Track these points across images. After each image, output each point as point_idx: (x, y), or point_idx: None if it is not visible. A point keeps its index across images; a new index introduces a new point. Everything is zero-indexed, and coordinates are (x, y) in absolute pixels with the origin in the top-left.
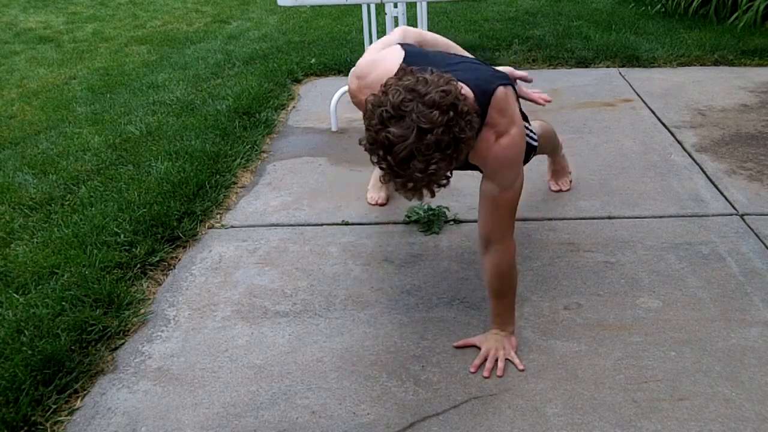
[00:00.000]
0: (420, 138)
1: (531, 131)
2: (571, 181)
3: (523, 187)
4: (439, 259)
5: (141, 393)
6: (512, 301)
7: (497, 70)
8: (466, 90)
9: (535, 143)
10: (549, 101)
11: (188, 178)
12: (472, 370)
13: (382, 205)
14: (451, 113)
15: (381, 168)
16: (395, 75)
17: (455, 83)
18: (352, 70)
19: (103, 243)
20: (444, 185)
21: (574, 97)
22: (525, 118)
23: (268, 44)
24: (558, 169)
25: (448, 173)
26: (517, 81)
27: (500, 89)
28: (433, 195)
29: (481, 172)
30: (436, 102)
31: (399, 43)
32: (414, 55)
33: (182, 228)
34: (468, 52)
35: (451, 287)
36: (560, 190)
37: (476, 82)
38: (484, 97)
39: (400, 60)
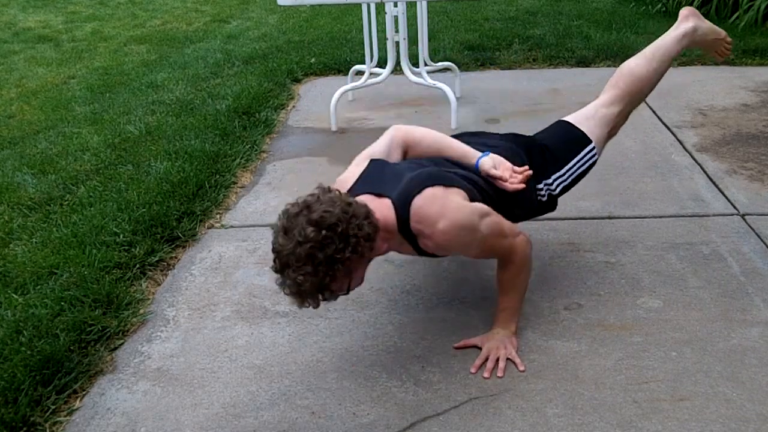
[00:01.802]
0: (294, 249)
1: (586, 153)
2: (727, 40)
3: (495, 219)
4: (439, 259)
5: (140, 393)
6: (521, 297)
7: (442, 171)
8: (384, 209)
9: (594, 157)
10: (519, 188)
11: (188, 178)
12: (473, 370)
13: None
14: (325, 232)
15: (272, 269)
16: (311, 192)
17: (351, 206)
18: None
19: (103, 243)
20: (328, 299)
21: (575, 96)
22: (571, 138)
23: (267, 44)
24: (708, 43)
25: (334, 288)
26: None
27: (417, 199)
28: (316, 306)
29: None
30: (314, 220)
31: (372, 159)
32: (368, 176)
33: (182, 228)
34: (469, 51)
35: (451, 287)
36: (724, 57)
37: (400, 196)
38: (405, 211)
39: (354, 179)
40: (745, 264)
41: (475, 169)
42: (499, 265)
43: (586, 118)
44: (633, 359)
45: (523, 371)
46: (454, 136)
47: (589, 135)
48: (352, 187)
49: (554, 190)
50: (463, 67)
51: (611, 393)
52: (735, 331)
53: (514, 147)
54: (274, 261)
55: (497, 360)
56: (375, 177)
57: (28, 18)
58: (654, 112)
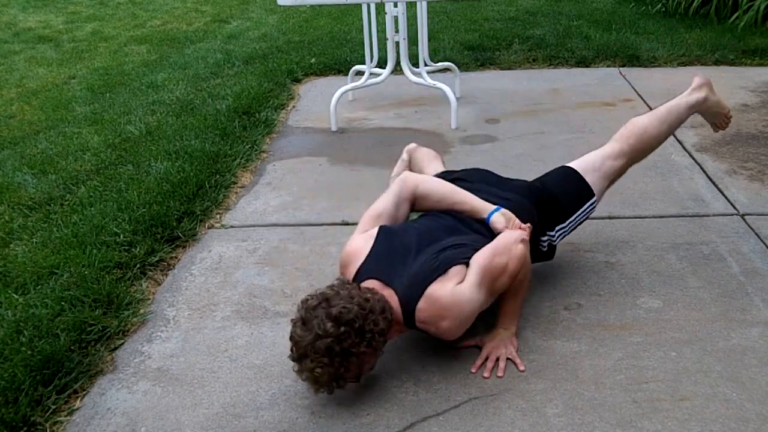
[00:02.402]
0: (314, 342)
1: (589, 206)
2: (728, 116)
3: (492, 268)
4: None
5: (140, 393)
6: (522, 300)
7: (441, 256)
8: (392, 302)
9: (594, 209)
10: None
11: (188, 178)
12: (473, 370)
13: None
14: (343, 329)
15: (290, 358)
16: (330, 284)
17: (369, 302)
18: (343, 250)
19: (103, 243)
20: (342, 386)
21: (575, 96)
22: (582, 191)
23: (267, 44)
24: (710, 114)
25: (348, 377)
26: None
27: (420, 303)
28: (330, 392)
29: None
30: (333, 315)
31: (381, 227)
32: (378, 249)
33: (182, 228)
34: (469, 51)
35: None
36: (721, 129)
37: (405, 295)
38: (410, 308)
39: (366, 253)
40: (744, 264)
41: (485, 224)
42: None
43: (593, 168)
44: (633, 359)
45: (523, 371)
46: (461, 178)
47: (593, 188)
48: (363, 262)
49: (555, 240)
50: (463, 67)
51: (611, 393)
52: (735, 331)
53: (524, 201)
54: (292, 350)
55: (497, 360)
56: (384, 254)
57: (28, 18)
58: None
